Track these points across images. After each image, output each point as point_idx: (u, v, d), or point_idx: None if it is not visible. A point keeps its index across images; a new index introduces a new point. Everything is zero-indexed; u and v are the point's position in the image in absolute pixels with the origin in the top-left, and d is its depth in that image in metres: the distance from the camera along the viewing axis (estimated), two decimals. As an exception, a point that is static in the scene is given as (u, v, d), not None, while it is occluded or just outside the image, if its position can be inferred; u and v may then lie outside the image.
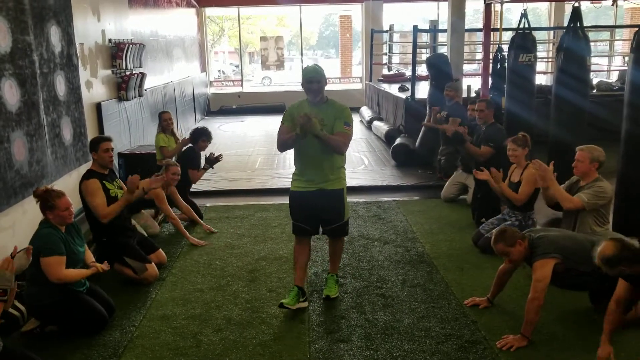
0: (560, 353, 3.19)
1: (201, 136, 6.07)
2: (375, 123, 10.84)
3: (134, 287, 4.27)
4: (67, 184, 5.26)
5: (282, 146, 3.87)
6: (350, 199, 6.62)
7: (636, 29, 4.23)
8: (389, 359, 3.23)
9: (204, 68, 15.10)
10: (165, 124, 6.45)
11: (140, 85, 7.81)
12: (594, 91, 9.24)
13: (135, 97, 7.68)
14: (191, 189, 6.35)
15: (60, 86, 5.44)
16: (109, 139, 4.44)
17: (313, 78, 3.73)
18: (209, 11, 16.31)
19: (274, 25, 25.66)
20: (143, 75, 7.84)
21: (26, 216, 4.68)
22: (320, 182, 3.80)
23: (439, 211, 6.09)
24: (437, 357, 3.23)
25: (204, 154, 6.20)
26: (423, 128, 7.74)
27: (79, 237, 3.73)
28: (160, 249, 4.77)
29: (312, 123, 3.52)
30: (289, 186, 4.00)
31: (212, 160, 6.11)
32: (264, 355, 3.30)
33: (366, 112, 12.36)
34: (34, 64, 4.90)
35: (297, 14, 16.52)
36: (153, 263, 4.45)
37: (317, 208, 3.86)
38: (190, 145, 6.13)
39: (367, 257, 4.80)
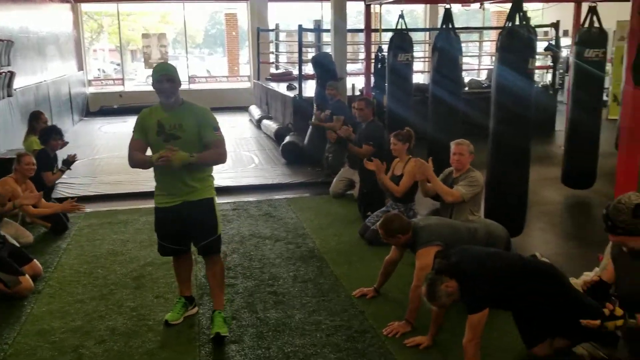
0: (442, 334, 3.37)
1: (51, 135, 5.73)
2: (265, 122, 10.84)
3: (7, 302, 3.94)
4: None
5: (136, 165, 3.43)
6: (241, 198, 6.64)
7: (500, 30, 4.57)
8: (281, 355, 3.24)
9: (81, 66, 14.27)
10: (39, 124, 6.06)
11: (9, 84, 7.24)
12: (466, 89, 9.87)
13: (3, 98, 7.10)
14: (71, 195, 5.98)
15: None
16: None
17: (163, 76, 3.25)
18: (86, 7, 15.40)
19: (157, 22, 24.77)
20: (12, 73, 7.26)
21: None
22: (185, 193, 3.36)
23: (328, 207, 6.22)
24: (328, 349, 3.29)
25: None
26: (310, 126, 7.87)
27: None
28: (35, 260, 4.43)
29: (175, 159, 3.17)
30: None
31: (69, 162, 5.81)
32: (152, 363, 3.18)
33: (255, 111, 12.32)
34: None
35: (180, 10, 16.08)
36: (27, 275, 4.13)
37: (185, 223, 3.42)
38: (42, 147, 5.74)
39: (258, 255, 4.79)
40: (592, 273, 3.67)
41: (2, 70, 6.99)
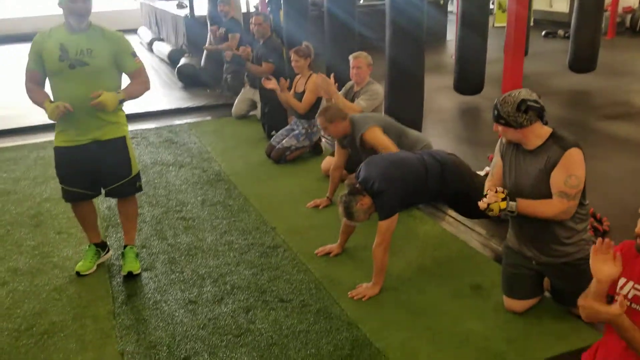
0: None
1: None
2: (157, 44, 10.28)
3: None
4: None
5: (35, 103, 3.05)
6: (139, 126, 6.36)
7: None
8: (195, 277, 3.27)
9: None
10: None
11: None
12: (361, 1, 9.81)
13: None
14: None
15: None
16: None
17: None
18: None
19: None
20: None
21: None
22: (93, 130, 3.05)
23: (232, 129, 6.14)
24: (242, 267, 3.35)
25: None
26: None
27: None
28: None
29: (108, 103, 2.91)
30: None
31: None
32: (61, 299, 3.09)
33: (145, 33, 11.63)
34: None
35: None
36: None
37: (94, 165, 3.11)
38: None
39: (163, 183, 4.69)
40: (484, 171, 3.96)
41: None
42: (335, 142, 4.02)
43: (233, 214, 4.08)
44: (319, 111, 3.82)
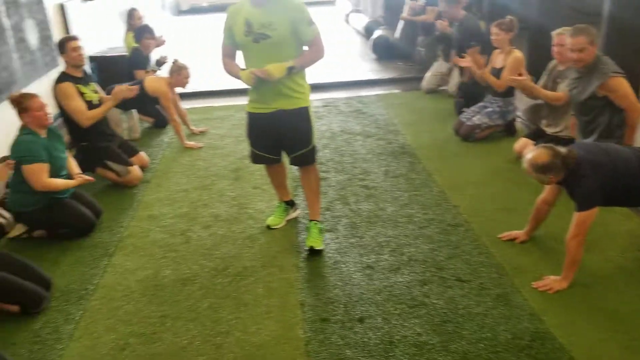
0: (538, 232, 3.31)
1: (143, 34, 5.82)
2: (353, 15, 10.50)
3: (119, 190, 4.28)
4: (39, 90, 5.07)
5: (230, 74, 3.24)
6: (331, 95, 6.61)
7: None
8: (374, 244, 3.33)
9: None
10: (134, 21, 6.21)
11: (104, -17, 7.37)
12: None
13: (97, -2, 7.28)
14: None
15: (18, -14, 5.10)
16: (75, 38, 4.25)
17: None
18: None
19: None
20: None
21: (1, 124, 4.56)
22: (279, 100, 3.14)
23: (420, 103, 6.07)
24: (420, 240, 3.33)
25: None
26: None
27: (60, 142, 3.67)
28: (142, 152, 4.73)
29: (274, 73, 2.96)
30: None
31: (160, 62, 6.01)
32: (253, 247, 3.38)
33: (343, 5, 11.92)
34: (-13, -39, 4.56)
35: None
36: (136, 166, 4.42)
37: (278, 132, 3.23)
38: (135, 45, 5.88)
39: (349, 151, 4.82)
40: None
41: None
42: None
43: (415, 187, 4.06)
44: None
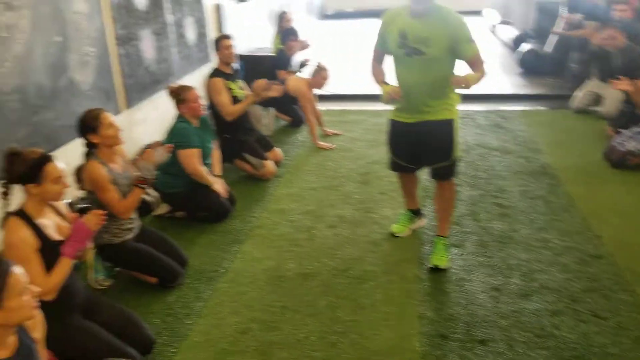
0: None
1: (288, 36, 6.00)
2: (500, 27, 10.10)
3: (254, 182, 4.48)
4: (191, 83, 5.48)
5: (374, 80, 3.22)
6: (468, 107, 6.40)
7: None
8: (504, 266, 3.17)
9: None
10: (284, 24, 6.48)
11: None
12: None
13: (245, 0, 7.69)
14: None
15: (184, -15, 5.54)
16: (228, 37, 4.56)
17: None
18: None
19: None
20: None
21: (157, 111, 4.98)
22: (424, 111, 3.05)
23: (567, 122, 5.68)
24: (555, 268, 3.11)
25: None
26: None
27: (209, 132, 3.95)
28: (277, 148, 4.92)
29: (467, 80, 2.79)
30: None
31: (302, 64, 6.15)
32: (376, 252, 3.37)
33: (490, 15, 11.52)
34: (160, -38, 5.01)
35: None
36: (271, 161, 4.61)
37: (420, 142, 3.14)
38: (280, 47, 6.09)
39: (484, 166, 4.64)
40: None
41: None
42: None
43: (554, 211, 3.80)
44: None
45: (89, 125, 2.84)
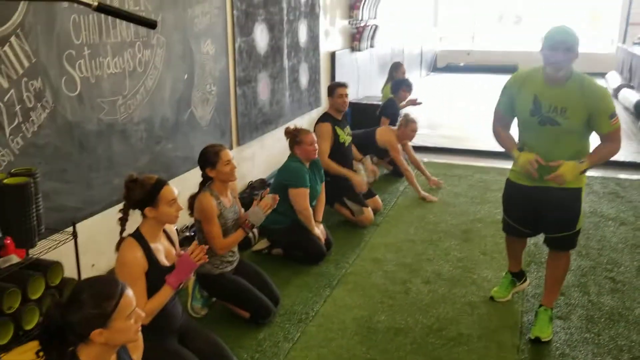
0: None
1: (401, 86, 6.02)
2: (624, 91, 9.58)
3: (351, 228, 4.49)
4: (299, 124, 5.67)
5: (499, 143, 3.06)
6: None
7: None
8: (612, 346, 2.90)
9: (435, 23, 14.82)
10: (398, 75, 6.56)
11: (373, 37, 7.97)
12: None
13: (366, 48, 7.88)
14: (411, 144, 6.36)
15: (302, 34, 5.81)
16: (344, 85, 4.65)
17: (560, 44, 2.63)
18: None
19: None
20: (376, 27, 7.97)
21: (264, 150, 5.19)
22: (550, 181, 2.81)
23: (696, 197, 5.21)
24: (675, 358, 2.81)
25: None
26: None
27: (319, 175, 4.05)
28: (377, 196, 4.91)
29: (565, 176, 2.69)
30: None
31: (413, 103, 6.20)
32: (472, 315, 3.22)
33: (614, 78, 10.98)
34: (283, 11, 5.29)
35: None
36: (370, 208, 4.60)
37: (540, 208, 2.93)
38: (390, 96, 6.11)
39: (597, 236, 4.34)
40: None
41: (369, 23, 7.72)
42: None
43: (675, 293, 3.46)
44: None
45: (208, 160, 3.02)
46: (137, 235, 2.37)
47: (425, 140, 7.26)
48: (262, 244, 4.04)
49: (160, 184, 2.39)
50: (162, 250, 2.43)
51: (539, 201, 2.93)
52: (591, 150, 2.85)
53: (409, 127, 5.31)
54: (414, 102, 6.33)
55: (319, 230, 3.93)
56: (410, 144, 5.65)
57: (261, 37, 4.91)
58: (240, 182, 4.87)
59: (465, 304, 3.35)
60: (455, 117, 8.80)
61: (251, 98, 4.84)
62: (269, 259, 3.95)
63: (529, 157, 2.80)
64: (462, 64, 14.65)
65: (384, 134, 5.35)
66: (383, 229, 4.49)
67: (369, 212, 4.56)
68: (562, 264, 3.07)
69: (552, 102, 2.72)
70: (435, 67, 14.83)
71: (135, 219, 2.43)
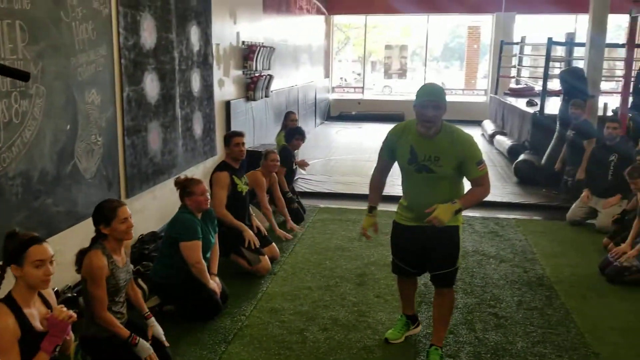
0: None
1: (294, 135, 6.18)
2: (498, 137, 10.41)
3: (247, 279, 4.42)
4: (194, 175, 5.57)
5: (369, 195, 3.36)
6: (466, 212, 6.40)
7: None
8: (499, 381, 3.06)
9: (327, 74, 15.39)
10: (288, 123, 6.70)
11: (267, 86, 8.12)
12: None
13: (261, 98, 8.00)
14: (308, 190, 6.49)
15: (195, 83, 5.80)
16: (240, 134, 4.66)
17: (429, 102, 2.89)
18: (337, 19, 16.62)
19: (398, 35, 25.66)
20: (271, 77, 8.14)
21: (155, 202, 5.03)
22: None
23: (563, 233, 5.70)
24: (553, 387, 3.00)
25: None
26: (552, 144, 7.33)
27: (212, 225, 3.96)
28: (274, 244, 4.90)
29: (441, 217, 2.88)
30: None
31: (301, 164, 6.30)
32: (368, 359, 3.26)
33: (489, 126, 11.91)
34: (174, 60, 5.27)
35: (423, 24, 16.35)
36: (266, 256, 4.58)
37: (425, 246, 3.16)
38: (284, 144, 6.24)
39: (480, 273, 4.60)
40: None
41: (263, 73, 7.88)
42: None
43: (550, 325, 3.72)
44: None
45: (104, 216, 2.86)
46: (8, 299, 2.18)
47: (320, 186, 7.42)
48: (153, 301, 3.85)
49: (31, 241, 2.22)
50: (37, 315, 2.25)
51: (423, 240, 3.13)
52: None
53: (268, 158, 5.36)
54: (302, 164, 6.51)
55: (215, 284, 3.84)
56: (301, 189, 5.73)
57: (152, 86, 4.84)
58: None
59: (361, 348, 3.39)
60: (348, 163, 9.09)
61: (141, 148, 4.71)
62: (160, 316, 3.77)
63: (369, 223, 3.28)
64: (354, 113, 15.25)
65: (250, 176, 5.29)
66: (280, 278, 4.48)
67: (266, 260, 4.53)
68: (447, 301, 3.25)
69: (426, 152, 2.97)
70: (329, 115, 15.32)
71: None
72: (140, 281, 3.92)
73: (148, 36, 4.75)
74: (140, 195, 4.75)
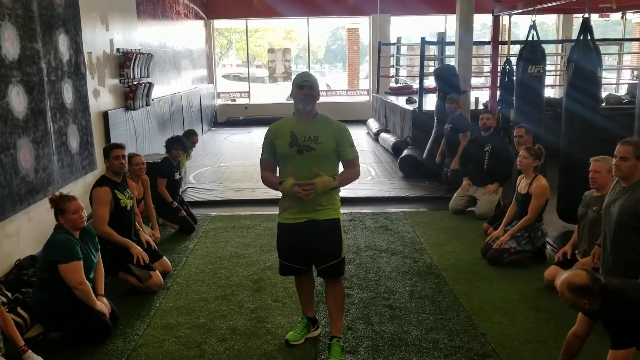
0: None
1: (173, 145, 6.01)
2: (382, 135, 10.81)
3: (138, 296, 4.23)
4: (73, 192, 5.23)
5: (269, 186, 3.37)
6: (357, 209, 6.64)
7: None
8: (397, 371, 3.16)
9: (211, 80, 15.15)
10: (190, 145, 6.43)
11: (148, 94, 7.82)
12: (604, 104, 9.18)
13: (142, 107, 7.69)
14: (199, 200, 6.30)
15: (68, 94, 5.44)
16: (120, 146, 4.42)
17: (305, 81, 3.16)
18: (217, 23, 16.39)
19: (281, 38, 25.86)
20: (150, 85, 7.86)
21: (31, 223, 4.66)
22: (311, 210, 3.20)
23: (447, 223, 6.03)
24: (446, 370, 3.15)
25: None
26: (431, 139, 7.73)
27: (92, 243, 3.71)
28: (165, 257, 4.73)
29: (320, 186, 3.09)
30: None
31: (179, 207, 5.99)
32: (269, 365, 3.24)
33: (373, 124, 12.34)
34: (42, 71, 4.91)
35: (304, 27, 16.59)
36: (157, 271, 4.40)
37: (308, 242, 3.25)
38: (165, 156, 6.05)
39: (374, 267, 4.74)
40: None
41: (142, 81, 7.58)
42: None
43: (441, 311, 3.92)
44: (627, 139, 3.37)
45: None
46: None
47: (211, 194, 7.27)
48: (36, 330, 3.56)
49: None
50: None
51: (306, 235, 3.25)
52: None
53: (132, 162, 5.13)
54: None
55: (102, 305, 3.62)
56: (192, 198, 5.57)
57: (18, 100, 4.47)
58: (6, 263, 4.29)
59: (261, 355, 3.36)
60: (238, 169, 8.99)
61: (11, 167, 4.33)
62: (44, 345, 3.49)
63: (290, 182, 3.15)
64: (241, 118, 15.13)
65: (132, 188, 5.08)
66: (174, 292, 4.32)
67: (157, 275, 4.35)
68: (339, 289, 3.38)
69: (305, 133, 3.17)
70: (216, 122, 15.08)
71: None
72: (19, 310, 3.61)
73: (10, 46, 4.39)
74: (13, 217, 4.38)
